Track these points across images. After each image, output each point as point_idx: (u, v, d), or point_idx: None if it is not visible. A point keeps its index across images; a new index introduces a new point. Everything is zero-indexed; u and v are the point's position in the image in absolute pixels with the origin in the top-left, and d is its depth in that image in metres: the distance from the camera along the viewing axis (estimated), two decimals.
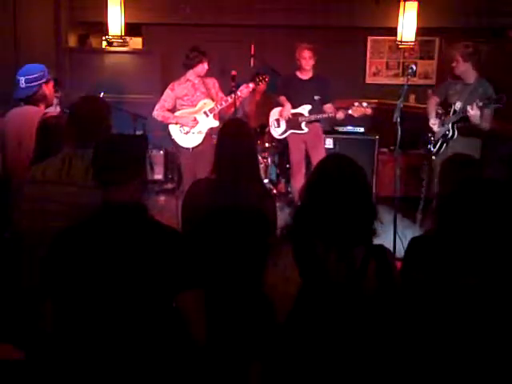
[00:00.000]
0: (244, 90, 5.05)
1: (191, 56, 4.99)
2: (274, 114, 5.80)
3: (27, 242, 2.41)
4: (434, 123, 4.78)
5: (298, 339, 1.84)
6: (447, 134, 4.67)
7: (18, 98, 3.58)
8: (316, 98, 5.52)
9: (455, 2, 6.72)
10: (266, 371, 1.91)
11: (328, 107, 5.52)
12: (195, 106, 5.07)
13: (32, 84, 3.56)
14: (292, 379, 1.85)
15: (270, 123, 5.82)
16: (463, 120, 4.54)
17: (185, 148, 5.09)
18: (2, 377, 2.11)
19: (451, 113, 4.66)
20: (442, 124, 4.73)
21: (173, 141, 5.13)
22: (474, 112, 4.31)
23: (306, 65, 5.45)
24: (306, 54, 5.41)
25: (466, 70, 4.62)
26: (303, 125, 5.58)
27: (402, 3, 6.43)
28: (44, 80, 3.59)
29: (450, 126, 4.64)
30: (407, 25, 6.41)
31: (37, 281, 2.27)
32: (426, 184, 5.02)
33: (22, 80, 3.55)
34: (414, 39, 6.51)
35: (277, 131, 5.78)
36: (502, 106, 4.28)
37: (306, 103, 5.54)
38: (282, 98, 5.65)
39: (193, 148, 5.07)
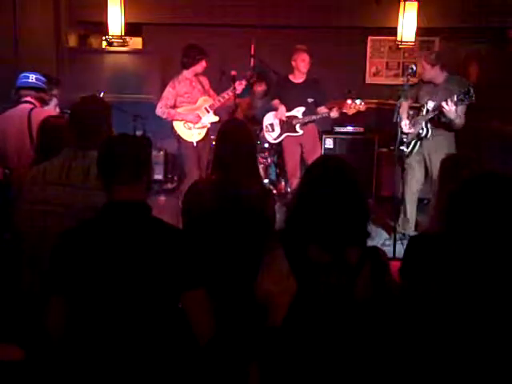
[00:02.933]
0: (238, 88, 5.20)
1: (192, 55, 5.13)
2: (268, 118, 5.80)
3: (27, 242, 2.41)
4: (405, 124, 4.79)
5: (295, 342, 1.83)
6: (421, 133, 4.70)
7: (24, 87, 3.78)
8: (309, 100, 5.54)
9: (455, 1, 6.71)
10: (264, 372, 1.91)
11: (321, 109, 5.54)
12: (195, 102, 5.24)
13: (40, 83, 3.83)
14: (290, 380, 1.85)
15: (265, 127, 5.82)
16: (437, 117, 4.60)
17: (189, 142, 5.26)
18: (3, 377, 2.11)
19: (424, 112, 4.70)
20: (414, 124, 4.75)
21: (178, 136, 5.28)
22: (449, 107, 4.39)
23: (305, 68, 5.46)
24: (305, 57, 5.43)
25: (436, 74, 4.71)
26: (298, 127, 5.59)
27: (401, 3, 6.42)
28: (46, 88, 3.89)
29: (424, 124, 4.67)
30: (407, 25, 6.41)
31: (37, 281, 2.28)
32: (398, 184, 4.96)
33: (33, 77, 3.81)
34: (413, 39, 6.51)
35: (271, 135, 5.79)
36: (475, 101, 4.36)
37: (299, 106, 5.56)
38: (276, 102, 5.66)
39: (197, 142, 5.26)
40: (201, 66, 5.17)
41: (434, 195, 2.44)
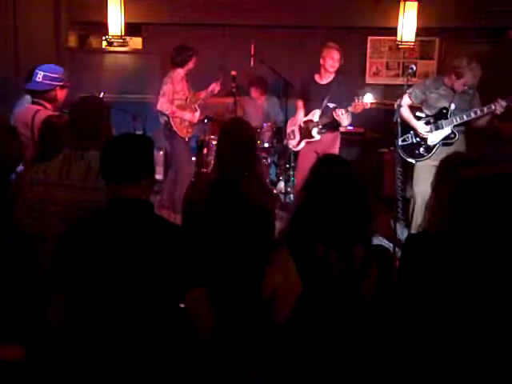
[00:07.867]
0: (213, 89, 5.58)
1: (184, 53, 5.36)
2: (290, 124, 5.51)
3: (27, 242, 2.41)
4: (426, 129, 4.64)
5: (300, 341, 1.84)
6: (452, 137, 4.58)
7: (29, 90, 3.60)
8: (330, 105, 5.07)
9: (455, 2, 6.72)
10: (266, 372, 1.91)
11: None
12: (186, 100, 5.48)
13: (48, 82, 3.56)
14: (294, 379, 1.85)
15: (287, 135, 5.53)
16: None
17: (183, 138, 5.47)
18: (4, 377, 2.11)
19: (449, 115, 4.57)
20: (436, 128, 4.62)
21: (174, 133, 5.41)
22: (499, 110, 4.36)
23: (332, 66, 5.12)
24: (335, 54, 5.10)
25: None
26: (314, 132, 5.20)
27: (402, 3, 6.42)
28: (61, 83, 3.60)
29: (451, 128, 4.58)
30: (407, 25, 6.41)
31: (37, 281, 2.28)
32: (402, 185, 4.85)
33: (41, 74, 3.54)
34: (413, 39, 6.51)
35: (292, 143, 5.46)
36: None
37: (317, 109, 5.20)
38: (299, 104, 5.40)
39: (188, 138, 5.55)
40: (193, 62, 5.38)
41: (431, 194, 2.43)
